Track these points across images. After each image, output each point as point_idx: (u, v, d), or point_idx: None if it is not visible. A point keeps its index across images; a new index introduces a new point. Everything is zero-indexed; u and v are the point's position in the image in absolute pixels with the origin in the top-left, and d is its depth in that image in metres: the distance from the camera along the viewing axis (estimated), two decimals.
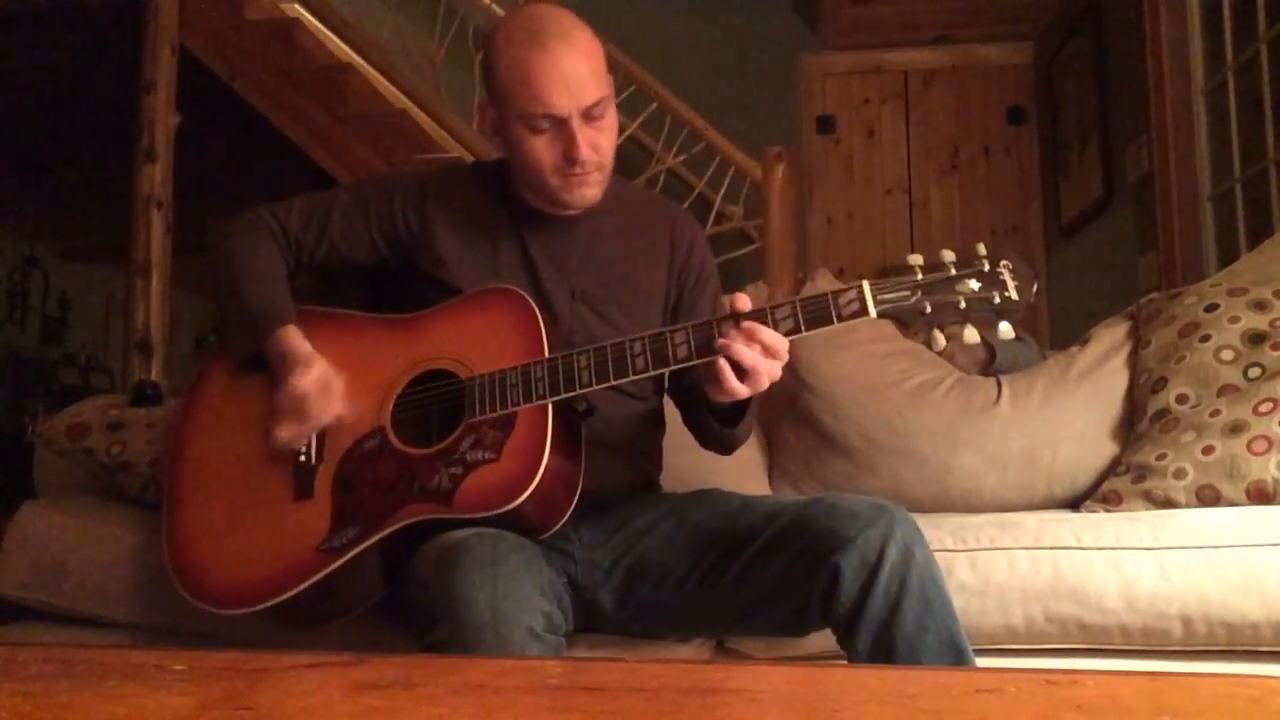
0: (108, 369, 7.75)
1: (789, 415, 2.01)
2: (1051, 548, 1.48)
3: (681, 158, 4.78)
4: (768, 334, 1.22)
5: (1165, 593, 1.42)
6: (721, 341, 1.23)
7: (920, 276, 1.21)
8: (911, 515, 1.29)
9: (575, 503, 1.35)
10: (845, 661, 1.29)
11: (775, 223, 3.73)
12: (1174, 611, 1.42)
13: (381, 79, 4.42)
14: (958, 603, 1.27)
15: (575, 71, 1.36)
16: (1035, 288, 1.21)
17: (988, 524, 1.55)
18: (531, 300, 1.40)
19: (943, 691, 0.77)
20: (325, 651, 0.88)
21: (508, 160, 1.52)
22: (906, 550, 1.23)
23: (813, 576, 1.27)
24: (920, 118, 4.88)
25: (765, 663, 1.45)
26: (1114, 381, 1.83)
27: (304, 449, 1.41)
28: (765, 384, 1.26)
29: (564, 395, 1.30)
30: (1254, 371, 1.67)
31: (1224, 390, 1.67)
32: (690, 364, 1.27)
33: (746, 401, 1.36)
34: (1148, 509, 1.62)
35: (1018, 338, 2.11)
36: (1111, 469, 1.76)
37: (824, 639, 1.34)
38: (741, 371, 1.24)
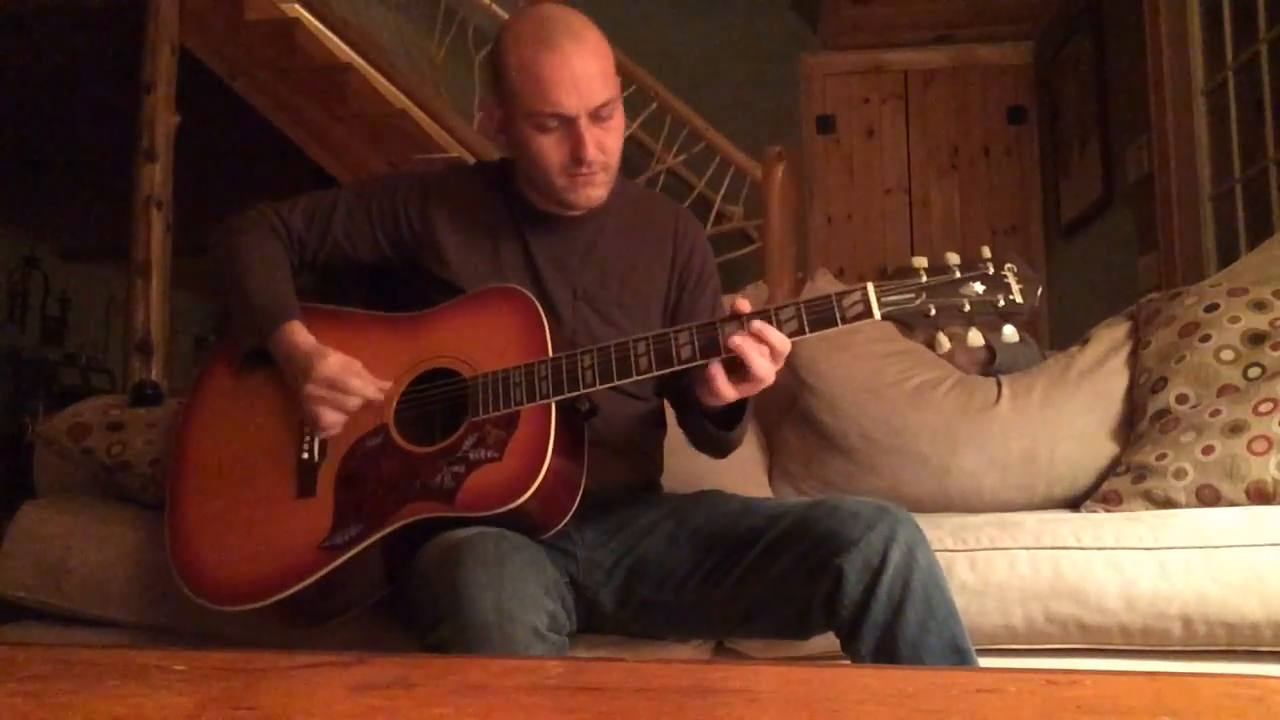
0: (108, 369, 7.76)
1: (789, 415, 2.01)
2: (1051, 548, 1.48)
3: (681, 158, 4.79)
4: (775, 335, 1.23)
5: (1165, 593, 1.42)
6: (734, 340, 1.23)
7: (925, 279, 1.21)
8: (913, 516, 1.29)
9: (577, 503, 1.35)
10: (845, 662, 1.29)
11: (775, 223, 3.73)
12: (1174, 611, 1.42)
13: (381, 79, 4.42)
14: (958, 603, 1.27)
15: (584, 71, 1.36)
16: (1040, 291, 1.21)
17: (988, 524, 1.55)
18: (535, 300, 1.40)
19: (943, 691, 0.77)
20: (325, 651, 0.88)
21: (511, 160, 1.52)
22: (909, 553, 1.23)
23: (815, 579, 1.27)
24: (920, 118, 4.88)
25: (765, 663, 1.45)
26: (1114, 381, 1.83)
27: (306, 446, 1.42)
28: (760, 388, 1.26)
29: (567, 395, 1.31)
30: (1254, 371, 1.67)
31: (1224, 390, 1.67)
32: (694, 365, 1.27)
33: (743, 405, 1.36)
34: (1148, 509, 1.62)
35: (1018, 340, 2.12)
36: (1111, 469, 1.76)
37: (825, 641, 1.34)
38: (740, 374, 1.24)
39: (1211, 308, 1.77)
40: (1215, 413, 1.65)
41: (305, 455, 1.41)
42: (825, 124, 4.89)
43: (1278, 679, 0.73)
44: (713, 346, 1.25)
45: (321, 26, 4.45)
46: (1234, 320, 1.73)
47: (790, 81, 4.97)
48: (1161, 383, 1.74)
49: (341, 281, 1.64)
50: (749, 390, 1.26)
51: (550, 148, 1.40)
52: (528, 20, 1.42)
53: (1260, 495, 1.57)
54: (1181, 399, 1.70)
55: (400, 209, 1.51)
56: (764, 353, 1.23)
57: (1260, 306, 1.73)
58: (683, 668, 1.01)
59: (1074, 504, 1.78)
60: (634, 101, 4.47)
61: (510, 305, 1.41)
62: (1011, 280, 1.20)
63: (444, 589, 1.18)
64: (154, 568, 1.59)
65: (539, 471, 1.27)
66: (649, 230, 1.57)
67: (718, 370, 1.24)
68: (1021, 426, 1.83)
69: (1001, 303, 1.20)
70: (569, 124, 1.38)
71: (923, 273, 1.22)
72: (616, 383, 1.30)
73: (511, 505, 1.26)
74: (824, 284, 1.91)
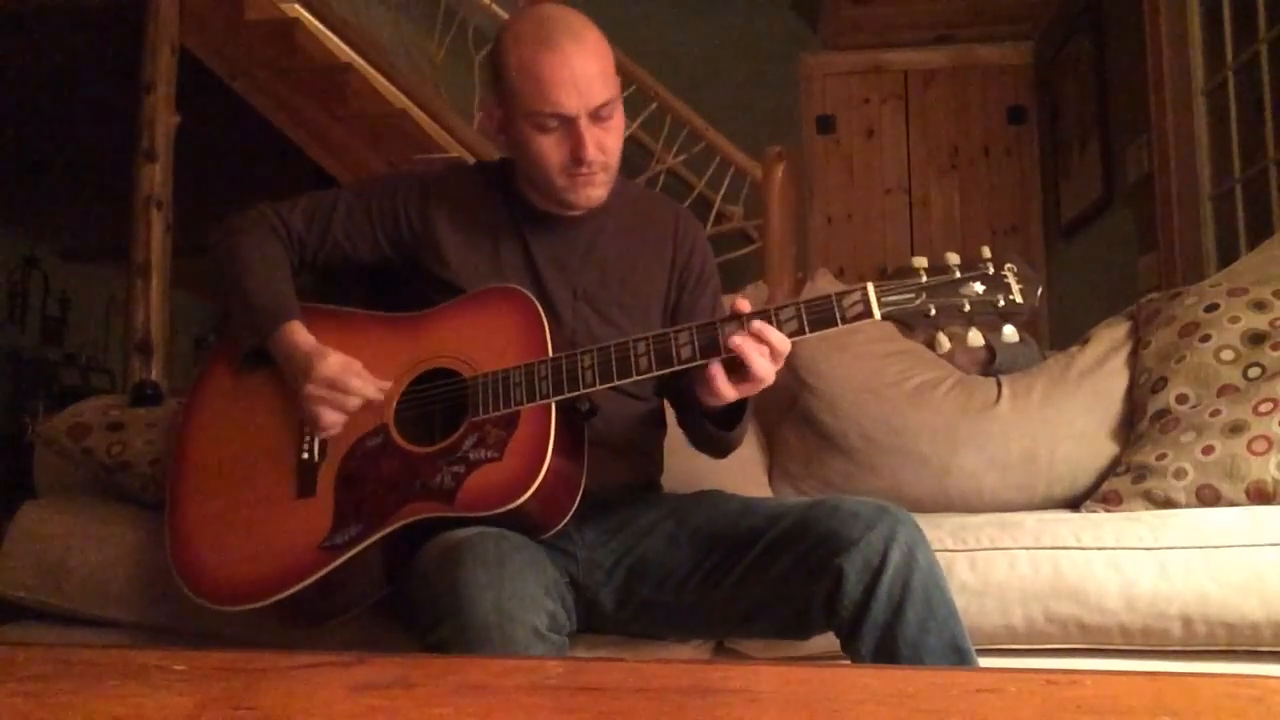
0: (108, 369, 7.76)
1: (789, 415, 2.01)
2: (1051, 548, 1.48)
3: (681, 158, 4.79)
4: (775, 335, 1.23)
5: (1165, 593, 1.42)
6: (734, 340, 1.23)
7: (925, 279, 1.21)
8: (913, 516, 1.29)
9: (577, 503, 1.35)
10: (845, 662, 1.29)
11: (775, 223, 3.73)
12: (1174, 611, 1.42)
13: (381, 79, 4.42)
14: (958, 603, 1.27)
15: (585, 71, 1.36)
16: (1040, 291, 1.21)
17: (988, 524, 1.55)
18: (535, 300, 1.40)
19: (943, 691, 0.77)
20: (325, 651, 0.88)
21: (511, 160, 1.52)
22: (909, 553, 1.23)
23: (816, 579, 1.27)
24: (920, 118, 4.88)
25: (765, 663, 1.45)
26: (1114, 381, 1.83)
27: (306, 446, 1.42)
28: (760, 388, 1.26)
29: (567, 395, 1.31)
30: (1254, 371, 1.67)
31: (1224, 390, 1.67)
32: (694, 364, 1.26)
33: (742, 405, 1.36)
34: (1148, 509, 1.62)
35: (1018, 340, 2.12)
36: (1111, 469, 1.76)
37: (825, 641, 1.34)
38: (740, 374, 1.24)
39: (1211, 308, 1.77)
40: (1215, 413, 1.65)
41: (305, 455, 1.41)
42: (825, 124, 4.90)
43: (1278, 679, 0.73)
44: (713, 346, 1.25)
45: (321, 26, 4.45)
46: (1234, 320, 1.73)
47: (790, 81, 4.97)
48: (1161, 383, 1.74)
49: (341, 281, 1.64)
50: (749, 390, 1.27)
51: (550, 148, 1.40)
52: (528, 20, 1.42)
53: (1260, 495, 1.57)
54: (1181, 399, 1.70)
55: (400, 209, 1.51)
56: (764, 353, 1.23)
57: (1260, 306, 1.73)
58: (683, 668, 1.01)
59: (1074, 504, 1.78)
60: (634, 101, 4.47)
61: (510, 305, 1.41)
62: (1011, 280, 1.20)
63: (444, 589, 1.18)
64: (154, 568, 1.59)
65: (539, 471, 1.27)
66: (649, 230, 1.57)
67: (718, 370, 1.25)
68: (1021, 426, 1.83)
69: (1001, 303, 1.20)
70: (569, 124, 1.38)
71: (923, 273, 1.22)
72: (616, 383, 1.30)
73: (511, 505, 1.26)
74: (824, 284, 1.91)
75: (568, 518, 1.34)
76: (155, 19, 3.72)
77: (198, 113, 3.76)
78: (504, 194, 1.53)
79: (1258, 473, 1.57)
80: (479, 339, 1.40)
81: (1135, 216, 3.54)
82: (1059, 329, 4.16)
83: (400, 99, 4.40)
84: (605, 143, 1.41)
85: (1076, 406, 1.83)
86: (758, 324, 1.23)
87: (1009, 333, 1.21)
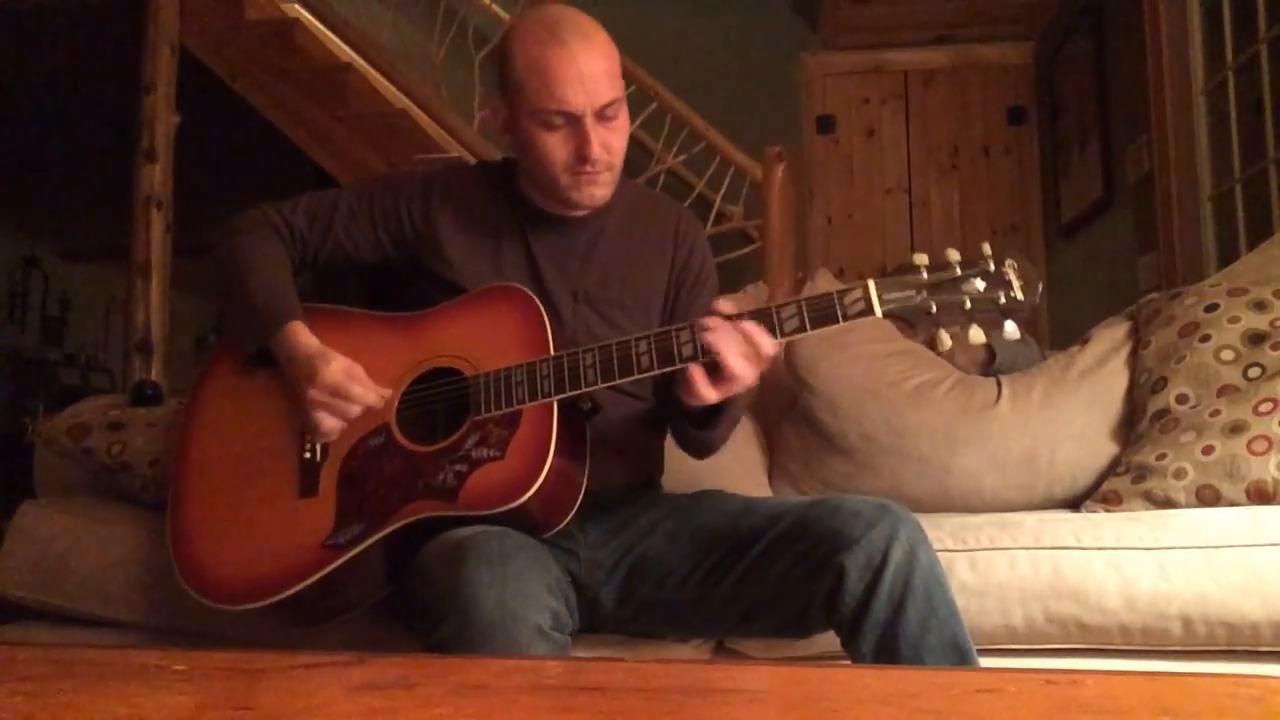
0: (108, 369, 7.75)
1: (789, 415, 2.01)
2: (1051, 548, 1.48)
3: (681, 158, 4.79)
4: (762, 337, 1.23)
5: (1165, 593, 1.42)
6: (708, 338, 1.23)
7: (925, 276, 1.21)
8: (914, 516, 1.29)
9: (579, 502, 1.35)
10: (845, 662, 1.29)
11: (775, 223, 3.73)
12: (1174, 611, 1.42)
13: (381, 79, 4.43)
14: (958, 602, 1.27)
15: (591, 70, 1.36)
16: (1040, 288, 1.21)
17: (988, 524, 1.55)
18: (536, 299, 1.40)
19: (943, 691, 0.77)
20: (325, 651, 0.88)
21: (513, 160, 1.52)
22: (911, 551, 1.24)
23: (817, 577, 1.27)
24: (920, 118, 4.88)
25: (765, 663, 1.45)
26: (1114, 381, 1.83)
27: (309, 446, 1.42)
28: (740, 389, 1.26)
29: (569, 393, 1.31)
30: (1254, 371, 1.67)
31: (1224, 390, 1.67)
32: (695, 362, 1.26)
33: (721, 407, 1.35)
34: (1148, 509, 1.62)
35: (1019, 338, 2.12)
36: (1111, 469, 1.76)
37: (825, 640, 1.34)
38: (718, 375, 1.24)
39: (1211, 308, 1.77)
40: (1215, 413, 1.65)
41: (307, 455, 1.41)
42: (825, 124, 4.89)
43: (1278, 679, 0.73)
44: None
45: (321, 26, 4.46)
46: (1234, 320, 1.73)
47: (790, 81, 4.97)
48: (1161, 383, 1.74)
49: (342, 281, 1.64)
50: (727, 390, 1.26)
51: (555, 145, 1.40)
52: (536, 18, 1.42)
53: (1260, 495, 1.57)
54: (1181, 399, 1.70)
55: (402, 209, 1.51)
56: (743, 352, 1.23)
57: (1260, 306, 1.73)
58: (682, 668, 1.01)
59: (1074, 504, 1.78)
60: (634, 101, 4.44)
61: (511, 304, 1.41)
62: (1012, 276, 1.20)
63: (447, 587, 1.18)
64: (154, 568, 1.59)
65: (541, 470, 1.27)
66: (650, 230, 1.57)
67: (697, 371, 1.25)
68: (1021, 426, 1.83)
69: (1002, 299, 1.20)
70: (575, 122, 1.38)
71: (923, 269, 1.22)
72: (618, 381, 1.30)
73: (514, 504, 1.26)
74: (824, 284, 1.90)
75: (570, 517, 1.34)
76: (155, 19, 3.72)
77: (198, 113, 3.76)
78: (506, 194, 1.53)
79: (1258, 473, 1.57)
80: (480, 338, 1.40)
81: (1135, 216, 3.54)
82: (1059, 329, 4.16)
83: (400, 99, 4.41)
84: (610, 142, 1.41)
85: (1076, 406, 1.83)
86: (745, 325, 1.23)
87: (1010, 329, 1.20)
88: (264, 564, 1.37)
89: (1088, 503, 1.72)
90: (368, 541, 1.32)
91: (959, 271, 1.21)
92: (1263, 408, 1.61)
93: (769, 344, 1.23)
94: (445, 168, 1.62)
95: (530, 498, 1.26)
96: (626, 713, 0.72)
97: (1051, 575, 1.46)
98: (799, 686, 0.81)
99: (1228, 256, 3.02)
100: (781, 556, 1.31)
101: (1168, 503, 1.62)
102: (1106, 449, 1.79)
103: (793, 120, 4.91)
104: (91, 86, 4.85)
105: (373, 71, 4.42)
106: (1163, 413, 1.71)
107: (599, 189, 1.44)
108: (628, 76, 1.47)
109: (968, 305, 1.20)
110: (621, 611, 1.43)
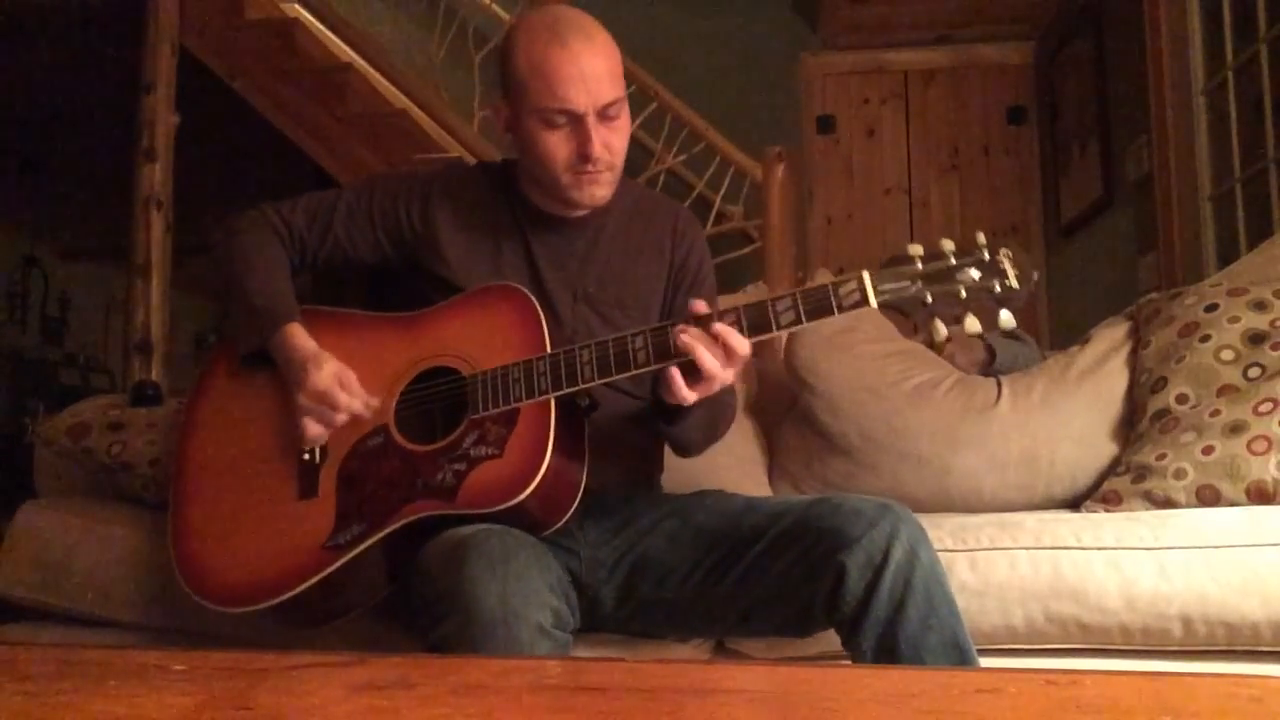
0: (108, 369, 7.74)
1: (789, 415, 2.01)
2: (1051, 548, 1.48)
3: (681, 158, 4.79)
4: (734, 338, 1.23)
5: (1165, 593, 1.42)
6: (683, 339, 1.23)
7: (920, 266, 1.21)
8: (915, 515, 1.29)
9: (579, 500, 1.35)
10: (845, 662, 1.29)
11: (775, 223, 3.73)
12: (1174, 611, 1.42)
13: (381, 79, 4.43)
14: (958, 602, 1.27)
15: (594, 70, 1.37)
16: (1036, 276, 1.21)
17: (988, 524, 1.55)
18: (533, 298, 1.40)
19: (943, 691, 0.77)
20: (325, 651, 0.88)
21: (513, 160, 1.52)
22: (911, 550, 1.24)
23: (817, 576, 1.27)
24: (920, 117, 4.88)
25: (765, 663, 1.45)
26: (1114, 381, 1.83)
27: (307, 447, 1.41)
28: (715, 387, 1.27)
29: (566, 390, 1.31)
30: (1254, 371, 1.66)
31: (1224, 390, 1.67)
32: (690, 359, 1.26)
33: (691, 407, 1.34)
34: (1148, 509, 1.62)
35: (1018, 337, 2.12)
36: (1111, 469, 1.75)
37: (825, 641, 1.34)
38: (694, 374, 1.24)
39: (1211, 308, 1.77)
40: (1215, 413, 1.65)
41: (306, 456, 1.41)
42: (825, 124, 4.89)
43: (1278, 679, 0.73)
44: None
45: (321, 26, 4.46)
46: (1234, 320, 1.73)
47: (790, 81, 4.97)
48: (1161, 383, 1.74)
49: (341, 281, 1.64)
50: (705, 390, 1.27)
51: (557, 144, 1.40)
52: (539, 18, 1.43)
53: (1260, 495, 1.57)
54: (1181, 399, 1.70)
55: (402, 209, 1.52)
56: (716, 352, 1.23)
57: (1260, 306, 1.73)
58: (683, 668, 1.01)
59: (1074, 504, 1.78)
60: (634, 101, 4.42)
61: (509, 303, 1.41)
62: (1007, 265, 1.20)
63: (448, 586, 1.19)
64: (155, 568, 1.59)
65: (539, 467, 1.27)
66: (649, 230, 1.57)
67: (675, 372, 1.25)
68: (1021, 426, 1.83)
69: (998, 288, 1.20)
70: (577, 121, 1.38)
71: (918, 260, 1.22)
72: (615, 377, 1.30)
73: (513, 501, 1.27)
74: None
75: (569, 514, 1.34)
76: (155, 19, 3.72)
77: (198, 113, 3.76)
78: (506, 194, 1.53)
79: (1258, 473, 1.57)
80: (478, 337, 1.40)
81: (1135, 216, 3.54)
82: (1059, 329, 4.16)
83: (400, 99, 4.41)
84: (611, 142, 1.41)
85: (1076, 406, 1.83)
86: (716, 325, 1.24)
87: (1006, 318, 1.20)
88: (264, 566, 1.37)
89: (1088, 503, 1.72)
90: (368, 542, 1.32)
91: (954, 261, 1.21)
92: (1263, 408, 1.61)
93: (741, 343, 1.24)
94: (444, 168, 1.62)
95: (529, 495, 1.26)
96: (626, 713, 0.72)
97: (1051, 575, 1.46)
98: (799, 686, 0.81)
99: (1228, 256, 3.03)
100: (782, 555, 1.31)
101: (1168, 503, 1.62)
102: (1106, 449, 1.79)
103: (793, 120, 4.91)
104: (91, 86, 4.85)
105: (372, 71, 4.42)
106: (1163, 413, 1.71)
107: (600, 188, 1.44)
108: (628, 76, 1.47)
109: (963, 294, 1.20)
110: (622, 611, 1.43)
